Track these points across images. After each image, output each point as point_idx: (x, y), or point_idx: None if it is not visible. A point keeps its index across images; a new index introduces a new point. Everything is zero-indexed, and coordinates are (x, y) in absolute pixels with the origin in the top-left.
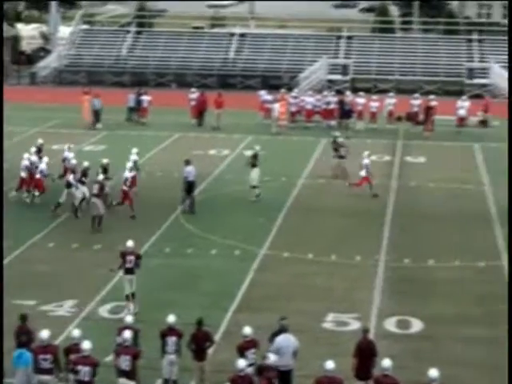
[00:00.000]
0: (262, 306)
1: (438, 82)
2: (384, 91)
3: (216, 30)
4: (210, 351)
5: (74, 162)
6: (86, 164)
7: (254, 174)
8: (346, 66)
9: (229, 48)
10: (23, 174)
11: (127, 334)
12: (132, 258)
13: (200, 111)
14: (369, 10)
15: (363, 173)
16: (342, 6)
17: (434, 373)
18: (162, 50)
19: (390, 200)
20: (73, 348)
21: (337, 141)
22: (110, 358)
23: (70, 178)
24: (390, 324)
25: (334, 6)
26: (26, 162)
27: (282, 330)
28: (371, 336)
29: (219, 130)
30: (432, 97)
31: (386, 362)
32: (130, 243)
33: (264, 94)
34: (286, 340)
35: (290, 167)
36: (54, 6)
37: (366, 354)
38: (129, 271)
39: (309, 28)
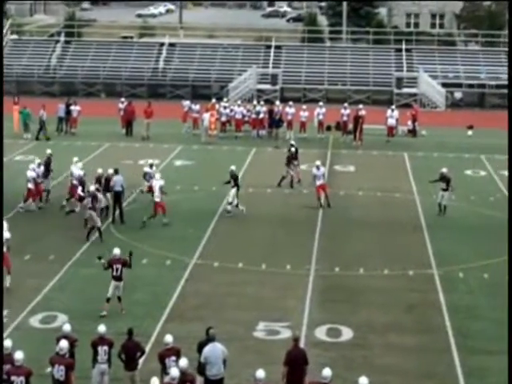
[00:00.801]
0: (193, 315)
1: (367, 92)
2: (313, 101)
3: (145, 39)
4: (141, 361)
5: (80, 173)
6: (48, 151)
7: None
8: (275, 75)
9: (158, 58)
10: (30, 186)
11: (63, 343)
12: (119, 266)
13: (128, 121)
14: (296, 19)
15: (321, 181)
16: (270, 15)
17: (363, 381)
18: (91, 60)
19: (320, 209)
20: (5, 358)
21: (292, 150)
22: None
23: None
24: (321, 332)
25: (262, 15)
26: (32, 174)
27: (209, 340)
28: (302, 344)
29: (149, 140)
30: (361, 106)
31: (327, 372)
32: (116, 251)
33: (188, 104)
34: (214, 349)
35: (220, 177)
36: None
37: (296, 362)
38: (116, 279)
39: (238, 38)
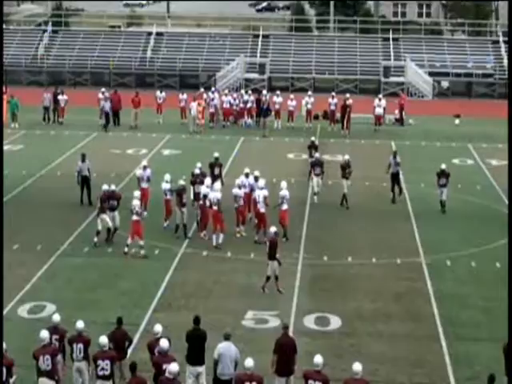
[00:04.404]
0: (181, 304)
1: (354, 81)
2: (301, 90)
3: (133, 29)
4: (129, 350)
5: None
6: None
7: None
8: (262, 64)
9: (146, 47)
10: None
11: (44, 333)
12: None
13: (115, 110)
14: (284, 7)
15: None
16: (265, 9)
17: (357, 366)
18: (79, 49)
19: (308, 197)
20: None
21: (314, 143)
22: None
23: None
24: (309, 321)
25: (256, 10)
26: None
27: (225, 338)
28: (291, 333)
29: (137, 129)
30: (348, 95)
31: (318, 358)
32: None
33: (160, 94)
34: (228, 349)
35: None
36: None
37: (286, 351)
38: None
39: (225, 27)
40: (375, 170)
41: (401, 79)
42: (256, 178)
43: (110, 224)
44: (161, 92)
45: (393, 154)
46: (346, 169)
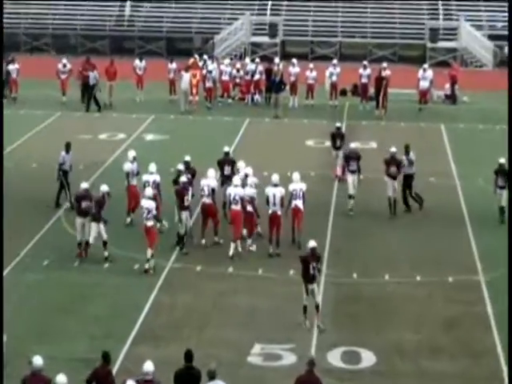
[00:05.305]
0: (169, 335)
1: (392, 46)
2: (324, 58)
3: None
4: None
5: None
6: None
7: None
8: (274, 25)
9: (124, 3)
10: None
11: None
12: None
13: (85, 84)
14: None
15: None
16: None
17: None
18: (38, 6)
19: (333, 197)
20: None
21: (340, 131)
22: None
23: None
24: (335, 357)
25: None
26: None
27: (210, 377)
28: None
29: (112, 108)
30: (385, 65)
31: None
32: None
33: (139, 64)
34: None
35: (203, 157)
36: None
37: None
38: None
39: None
40: (419, 161)
41: (452, 44)
42: (246, 175)
43: (93, 236)
44: (140, 60)
45: (405, 150)
46: (391, 165)
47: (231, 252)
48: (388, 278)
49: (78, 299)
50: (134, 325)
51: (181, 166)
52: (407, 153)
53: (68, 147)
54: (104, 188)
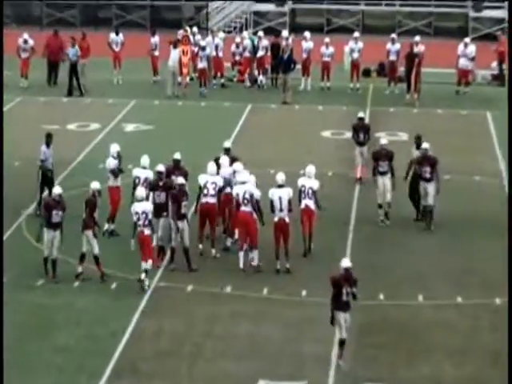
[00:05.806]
0: (154, 368)
1: (427, 16)
2: (343, 30)
3: None
4: None
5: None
6: None
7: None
8: None
9: None
10: None
11: None
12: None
13: (53, 62)
14: None
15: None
16: None
17: None
18: None
19: (354, 200)
20: None
21: (364, 122)
22: None
23: None
24: None
25: None
26: None
27: None
28: None
29: (84, 92)
30: (418, 38)
31: None
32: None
33: (116, 38)
34: None
35: (196, 152)
36: None
37: None
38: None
39: None
40: (460, 156)
41: (500, 13)
42: (234, 172)
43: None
44: (117, 34)
45: (415, 142)
46: (423, 165)
47: (255, 262)
48: (422, 299)
49: (44, 324)
50: (111, 356)
51: (161, 167)
52: (418, 146)
53: (49, 139)
54: (95, 185)
